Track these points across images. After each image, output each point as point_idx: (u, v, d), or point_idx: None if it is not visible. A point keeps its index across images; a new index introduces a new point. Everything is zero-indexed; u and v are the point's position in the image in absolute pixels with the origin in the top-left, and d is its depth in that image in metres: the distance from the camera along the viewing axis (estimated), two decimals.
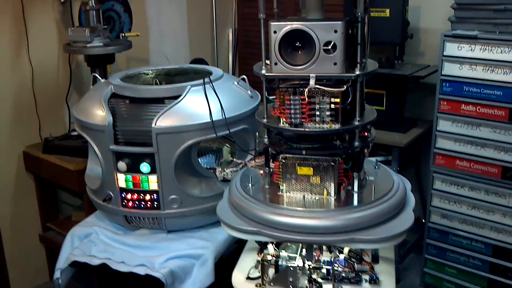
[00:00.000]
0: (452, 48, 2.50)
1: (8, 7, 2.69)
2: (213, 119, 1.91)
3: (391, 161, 2.89)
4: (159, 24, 3.47)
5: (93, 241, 2.06)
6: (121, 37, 2.89)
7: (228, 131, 1.92)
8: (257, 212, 1.50)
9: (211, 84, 2.00)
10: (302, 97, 1.44)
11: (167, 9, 3.53)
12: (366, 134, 1.54)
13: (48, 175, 2.77)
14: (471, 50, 2.45)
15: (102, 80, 2.21)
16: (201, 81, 2.01)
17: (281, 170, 1.54)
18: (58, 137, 2.79)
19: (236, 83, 2.15)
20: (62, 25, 2.91)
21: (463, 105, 2.53)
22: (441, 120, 2.62)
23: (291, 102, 1.45)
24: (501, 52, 2.38)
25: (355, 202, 1.51)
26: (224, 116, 1.92)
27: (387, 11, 2.76)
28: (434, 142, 2.68)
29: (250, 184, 1.62)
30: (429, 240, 2.83)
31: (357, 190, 1.54)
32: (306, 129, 1.46)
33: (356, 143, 1.49)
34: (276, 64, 1.45)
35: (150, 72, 2.39)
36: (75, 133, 2.71)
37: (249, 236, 1.51)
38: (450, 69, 2.53)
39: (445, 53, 2.53)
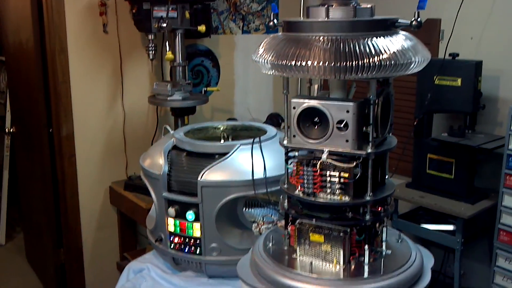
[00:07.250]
0: None
1: (109, 62, 3.10)
2: (259, 177, 2.06)
3: (455, 231, 2.81)
4: (245, 78, 3.72)
5: (144, 276, 2.27)
6: (203, 92, 3.17)
7: (266, 190, 2.06)
8: (267, 271, 1.60)
9: (259, 144, 2.16)
10: (314, 169, 1.54)
11: (254, 65, 3.76)
12: (380, 208, 1.59)
13: (126, 210, 3.08)
14: None
15: (171, 132, 2.47)
16: (251, 140, 2.17)
17: (296, 234, 1.64)
18: (138, 176, 3.09)
19: None
20: (155, 77, 3.27)
21: None
22: (507, 196, 2.52)
23: (304, 172, 1.56)
24: None
25: (364, 274, 1.55)
26: (265, 176, 2.06)
27: (459, 80, 2.74)
28: (499, 217, 2.57)
29: (270, 244, 1.72)
30: None
31: (367, 262, 1.58)
32: (316, 199, 1.55)
33: (367, 217, 1.55)
34: (294, 136, 1.57)
35: (220, 126, 2.61)
36: None
37: None
38: None
39: None
